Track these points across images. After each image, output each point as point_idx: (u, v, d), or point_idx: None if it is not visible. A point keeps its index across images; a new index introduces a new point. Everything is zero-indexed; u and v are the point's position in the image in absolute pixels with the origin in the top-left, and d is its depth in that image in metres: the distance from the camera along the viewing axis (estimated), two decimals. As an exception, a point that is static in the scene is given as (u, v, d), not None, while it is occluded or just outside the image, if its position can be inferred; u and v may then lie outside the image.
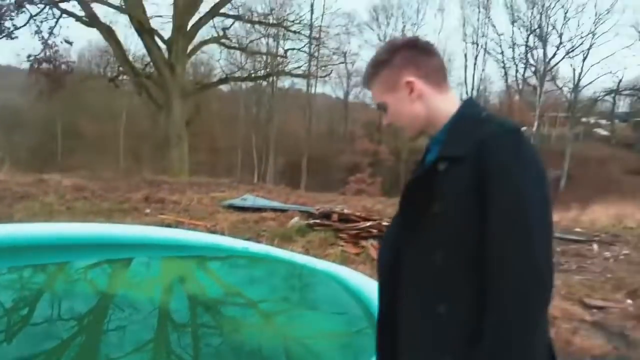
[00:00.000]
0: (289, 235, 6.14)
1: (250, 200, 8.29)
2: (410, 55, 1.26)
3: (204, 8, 16.29)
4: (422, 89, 1.25)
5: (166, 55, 15.49)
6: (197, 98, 27.09)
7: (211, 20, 16.83)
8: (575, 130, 40.31)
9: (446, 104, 1.25)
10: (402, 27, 40.47)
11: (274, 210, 7.70)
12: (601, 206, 12.00)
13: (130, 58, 17.56)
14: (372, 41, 41.29)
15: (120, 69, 17.63)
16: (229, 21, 17.97)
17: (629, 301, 4.57)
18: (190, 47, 16.78)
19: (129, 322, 3.26)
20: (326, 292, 3.92)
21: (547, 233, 1.06)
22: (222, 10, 16.78)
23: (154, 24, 16.14)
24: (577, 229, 8.51)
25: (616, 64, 66.47)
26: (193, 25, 15.91)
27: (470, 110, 1.22)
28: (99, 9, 15.94)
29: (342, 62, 33.45)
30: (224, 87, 35.94)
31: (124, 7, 15.15)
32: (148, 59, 16.38)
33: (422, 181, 1.19)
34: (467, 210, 1.10)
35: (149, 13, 15.39)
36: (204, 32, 19.68)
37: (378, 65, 1.27)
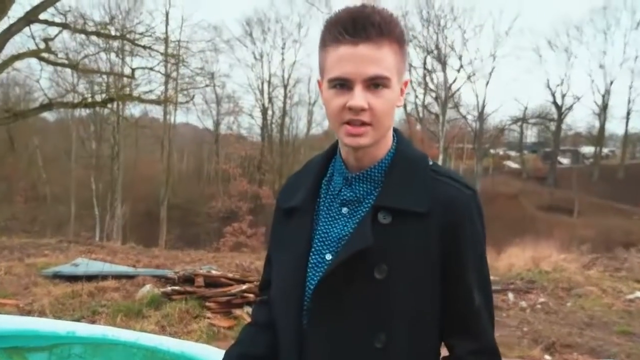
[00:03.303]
0: (137, 310, 5.95)
1: (83, 265, 7.81)
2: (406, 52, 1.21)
3: (17, 12, 15.37)
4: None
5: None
6: (9, 130, 25.21)
7: (27, 29, 15.82)
8: (484, 164, 44.40)
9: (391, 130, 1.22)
10: (281, 44, 42.12)
11: (118, 277, 7.36)
12: (518, 247, 13.12)
13: None
14: (245, 60, 42.23)
15: None
16: (53, 30, 17.06)
17: (547, 357, 5.00)
18: (-4, 63, 15.67)
19: None
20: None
21: None
22: (42, 17, 15.88)
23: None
24: (492, 277, 9.21)
25: (521, 90, 75.24)
26: (1, 33, 14.90)
27: (411, 152, 1.21)
28: None
29: (209, 85, 33.51)
30: (49, 116, 34.11)
31: None
32: None
33: (363, 237, 1.12)
34: (420, 274, 1.11)
35: None
36: (19, 43, 18.55)
37: (401, 34, 1.13)
